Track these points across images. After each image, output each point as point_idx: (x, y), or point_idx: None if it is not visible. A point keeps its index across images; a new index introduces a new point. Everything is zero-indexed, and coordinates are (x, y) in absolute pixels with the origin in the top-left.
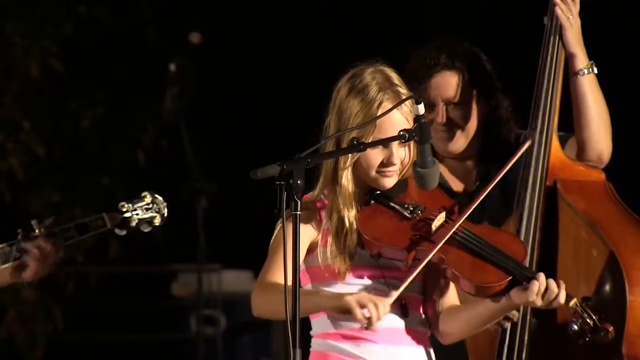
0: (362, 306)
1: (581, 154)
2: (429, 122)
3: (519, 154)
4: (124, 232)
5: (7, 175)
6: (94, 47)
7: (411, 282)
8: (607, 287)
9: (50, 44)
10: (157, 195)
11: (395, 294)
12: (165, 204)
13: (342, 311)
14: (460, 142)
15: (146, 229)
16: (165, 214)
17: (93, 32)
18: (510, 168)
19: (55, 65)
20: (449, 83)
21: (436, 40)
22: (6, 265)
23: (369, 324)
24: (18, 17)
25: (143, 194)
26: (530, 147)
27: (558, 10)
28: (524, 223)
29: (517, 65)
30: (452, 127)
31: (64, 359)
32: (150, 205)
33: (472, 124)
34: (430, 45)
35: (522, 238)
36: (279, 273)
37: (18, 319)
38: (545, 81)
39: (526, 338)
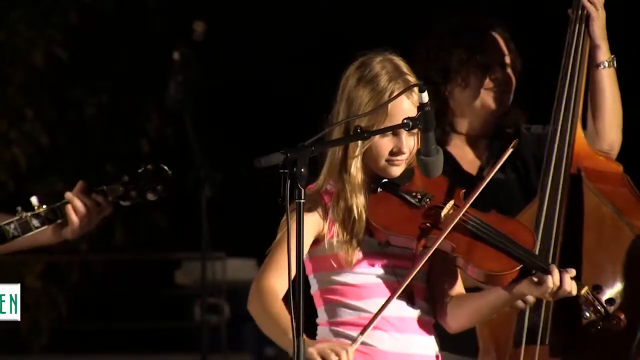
0: (324, 358)
1: (593, 143)
2: (482, 80)
3: (503, 159)
4: (127, 203)
5: (11, 164)
6: (98, 35)
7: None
8: (634, 273)
9: (54, 33)
10: (161, 164)
11: (360, 339)
12: (170, 172)
13: None
14: (508, 102)
15: (152, 198)
16: (171, 182)
17: (97, 20)
18: (525, 152)
19: (60, 54)
20: (503, 44)
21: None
22: (47, 227)
23: None
24: (23, 6)
25: (148, 165)
26: (514, 153)
27: (586, 2)
28: (549, 211)
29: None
30: (505, 86)
31: (68, 346)
32: (154, 174)
33: (513, 88)
34: (470, 16)
35: (546, 227)
36: (278, 274)
37: (22, 307)
38: (571, 70)
39: (550, 321)
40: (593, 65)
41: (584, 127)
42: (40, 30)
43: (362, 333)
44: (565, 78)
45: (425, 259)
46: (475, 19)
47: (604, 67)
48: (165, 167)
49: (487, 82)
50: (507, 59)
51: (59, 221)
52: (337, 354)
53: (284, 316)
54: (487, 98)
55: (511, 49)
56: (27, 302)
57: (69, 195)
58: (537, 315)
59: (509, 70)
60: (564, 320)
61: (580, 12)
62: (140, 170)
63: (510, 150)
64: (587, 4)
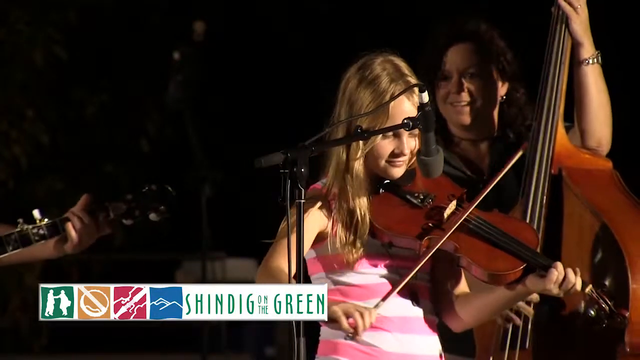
0: (348, 316)
1: (580, 141)
2: (444, 95)
3: (512, 162)
4: (130, 222)
5: (11, 163)
6: (98, 35)
7: (419, 271)
8: (611, 276)
9: (54, 32)
10: (166, 185)
11: (382, 304)
12: (174, 194)
13: (328, 320)
14: (471, 113)
15: (155, 218)
16: (174, 204)
17: (97, 20)
18: (526, 154)
19: (59, 53)
20: (465, 54)
21: (452, 18)
22: (47, 240)
23: (354, 333)
24: (22, 4)
25: (152, 185)
26: (523, 155)
27: (562, 2)
28: (529, 211)
29: (520, 55)
30: (464, 98)
31: (68, 346)
32: (158, 195)
33: (487, 100)
34: (447, 21)
35: None
36: (284, 258)
37: (22, 307)
38: (552, 69)
39: (530, 326)
40: (576, 62)
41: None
42: (40, 29)
43: (383, 299)
44: (546, 76)
45: (427, 258)
46: (454, 27)
47: (588, 64)
48: (169, 188)
49: (451, 97)
50: (472, 70)
51: (59, 236)
52: (361, 314)
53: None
54: (450, 111)
55: (498, 58)
56: (27, 301)
57: (70, 211)
58: (523, 323)
59: (473, 82)
60: (545, 325)
61: (561, 10)
62: (144, 190)
63: (519, 153)
64: (564, 5)
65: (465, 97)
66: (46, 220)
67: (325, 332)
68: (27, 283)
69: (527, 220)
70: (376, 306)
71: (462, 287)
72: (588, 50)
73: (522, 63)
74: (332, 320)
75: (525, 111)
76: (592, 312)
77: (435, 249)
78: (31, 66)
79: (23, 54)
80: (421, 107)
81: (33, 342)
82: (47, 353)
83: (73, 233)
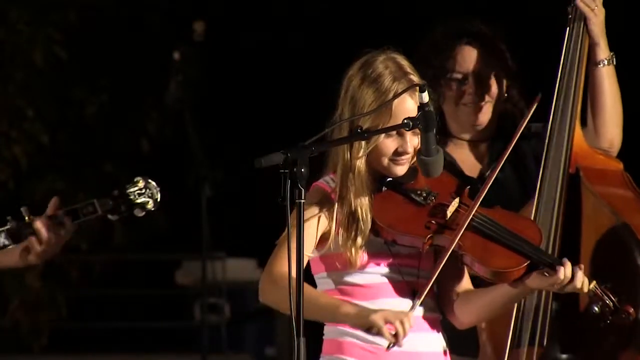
0: (388, 323)
1: (592, 141)
2: (457, 96)
3: (528, 118)
4: (115, 217)
5: (11, 163)
6: (98, 34)
7: (422, 269)
8: (632, 275)
9: (54, 32)
10: (150, 180)
11: (417, 302)
12: (158, 188)
13: (367, 328)
14: (487, 114)
15: (139, 213)
16: (159, 199)
17: (97, 20)
18: (524, 150)
19: (59, 53)
20: (479, 55)
21: (455, 19)
22: (12, 246)
23: (396, 340)
24: (22, 4)
25: (136, 179)
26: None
27: (580, 3)
28: (547, 210)
29: (523, 55)
30: (481, 98)
31: (68, 347)
32: (143, 190)
33: (498, 98)
34: (451, 23)
35: (544, 225)
36: (287, 264)
37: (22, 307)
38: (569, 69)
39: (548, 323)
40: (592, 63)
41: (584, 124)
42: (40, 29)
43: (418, 297)
44: (564, 76)
45: (439, 269)
46: (458, 27)
47: (604, 65)
48: (154, 183)
49: (464, 98)
50: (483, 72)
51: (22, 244)
52: (400, 320)
53: (327, 298)
54: (463, 112)
55: (503, 56)
56: (27, 302)
57: (34, 222)
58: (542, 320)
59: (484, 82)
60: (562, 322)
61: (579, 10)
62: (128, 185)
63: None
64: (582, 6)
65: (483, 97)
66: (9, 225)
67: (329, 331)
68: (27, 283)
69: (546, 220)
70: (412, 308)
71: (466, 284)
72: (604, 51)
73: (519, 62)
74: (371, 328)
75: (521, 108)
76: (597, 309)
77: (450, 251)
78: (31, 66)
79: (23, 54)
80: (421, 107)
81: (33, 342)
82: (47, 353)
83: (36, 243)
